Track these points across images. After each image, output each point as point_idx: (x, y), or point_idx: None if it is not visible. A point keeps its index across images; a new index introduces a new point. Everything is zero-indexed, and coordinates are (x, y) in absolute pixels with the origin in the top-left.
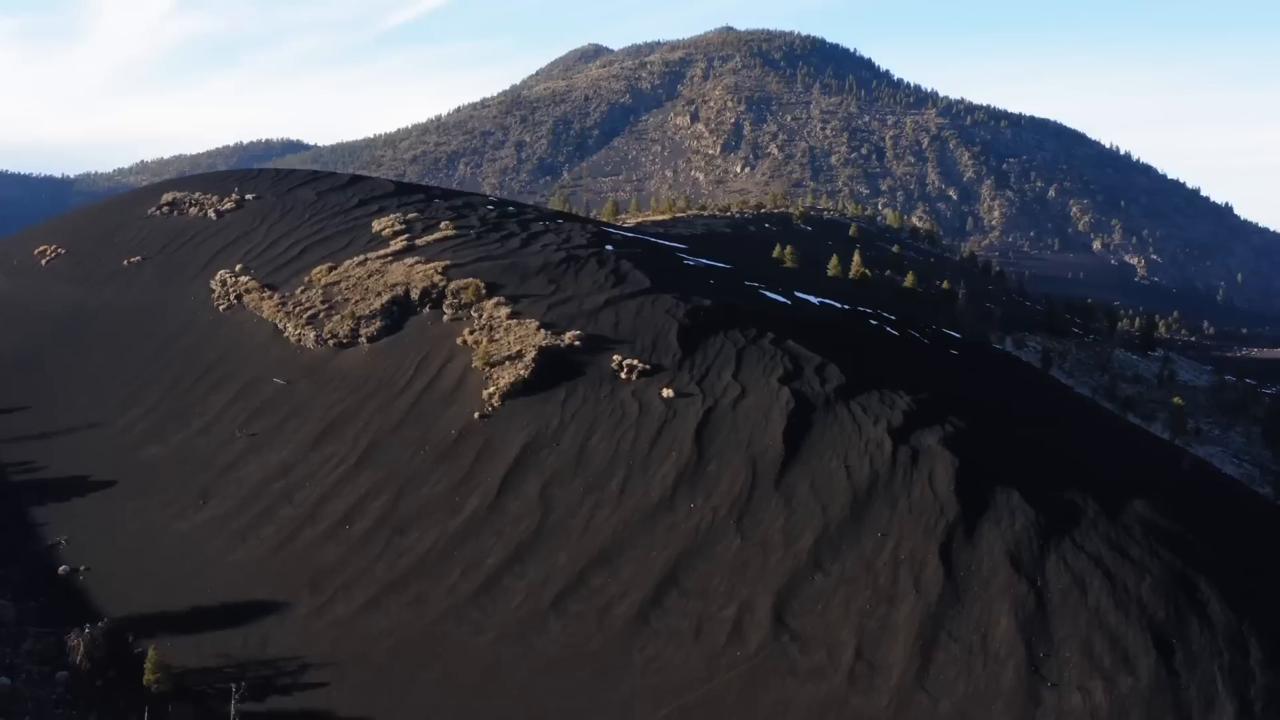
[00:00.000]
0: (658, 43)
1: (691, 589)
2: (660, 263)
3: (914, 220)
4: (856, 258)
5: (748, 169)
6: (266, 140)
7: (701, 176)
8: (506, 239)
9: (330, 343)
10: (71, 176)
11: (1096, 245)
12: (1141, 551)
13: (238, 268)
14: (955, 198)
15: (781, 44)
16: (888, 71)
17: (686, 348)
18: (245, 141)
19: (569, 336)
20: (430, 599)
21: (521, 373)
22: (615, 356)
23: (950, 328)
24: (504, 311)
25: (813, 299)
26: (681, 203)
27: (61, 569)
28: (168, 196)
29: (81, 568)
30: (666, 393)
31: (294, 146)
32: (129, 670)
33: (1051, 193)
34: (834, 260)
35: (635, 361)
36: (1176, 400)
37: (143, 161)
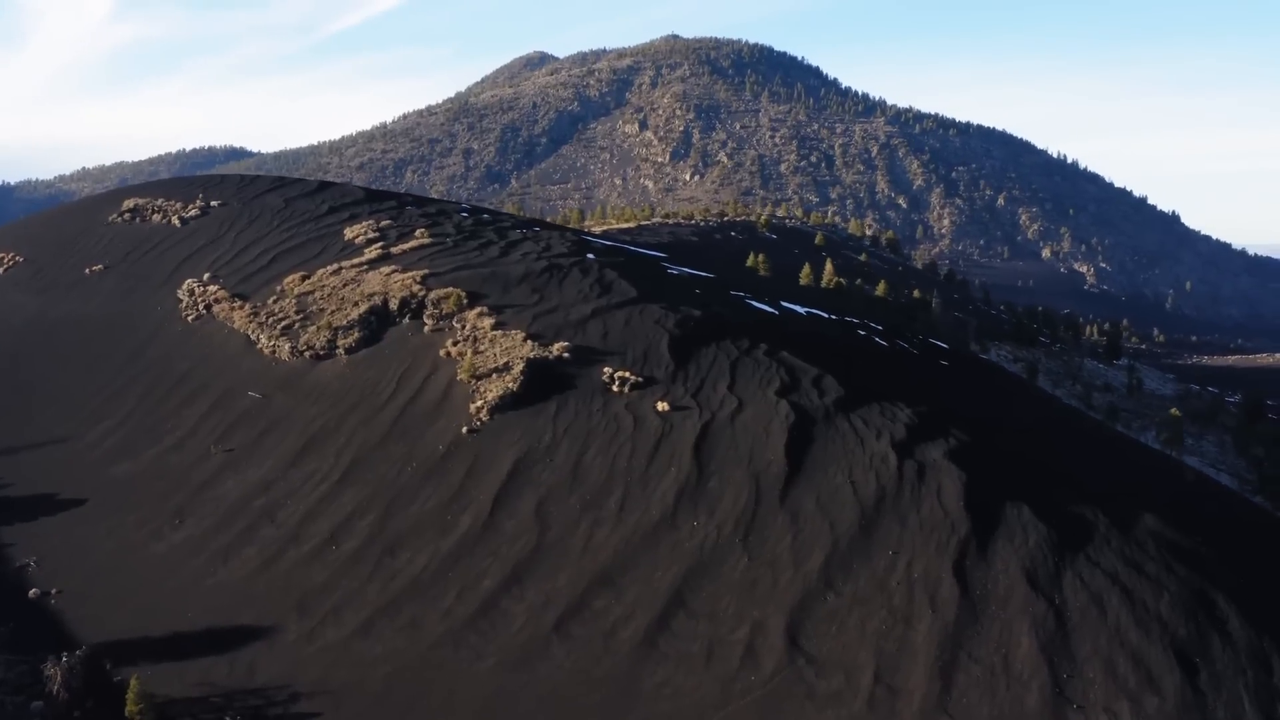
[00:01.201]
0: (604, 50)
1: (700, 610)
2: (643, 272)
3: (863, 228)
4: (829, 266)
5: (697, 177)
6: (209, 147)
7: (651, 184)
8: (485, 247)
9: (306, 354)
10: (12, 183)
11: (1046, 253)
12: (1157, 567)
13: (205, 276)
14: (905, 206)
15: (729, 52)
16: (835, 80)
17: (678, 359)
18: (188, 148)
19: (557, 348)
20: (425, 623)
21: (510, 385)
22: (606, 369)
23: (930, 338)
24: (488, 322)
25: (799, 309)
26: (645, 210)
27: (32, 592)
28: (129, 203)
29: (53, 591)
30: (661, 406)
31: (237, 153)
32: (109, 700)
33: (1000, 201)
34: (806, 269)
35: (627, 374)
36: (1174, 412)
37: (84, 168)
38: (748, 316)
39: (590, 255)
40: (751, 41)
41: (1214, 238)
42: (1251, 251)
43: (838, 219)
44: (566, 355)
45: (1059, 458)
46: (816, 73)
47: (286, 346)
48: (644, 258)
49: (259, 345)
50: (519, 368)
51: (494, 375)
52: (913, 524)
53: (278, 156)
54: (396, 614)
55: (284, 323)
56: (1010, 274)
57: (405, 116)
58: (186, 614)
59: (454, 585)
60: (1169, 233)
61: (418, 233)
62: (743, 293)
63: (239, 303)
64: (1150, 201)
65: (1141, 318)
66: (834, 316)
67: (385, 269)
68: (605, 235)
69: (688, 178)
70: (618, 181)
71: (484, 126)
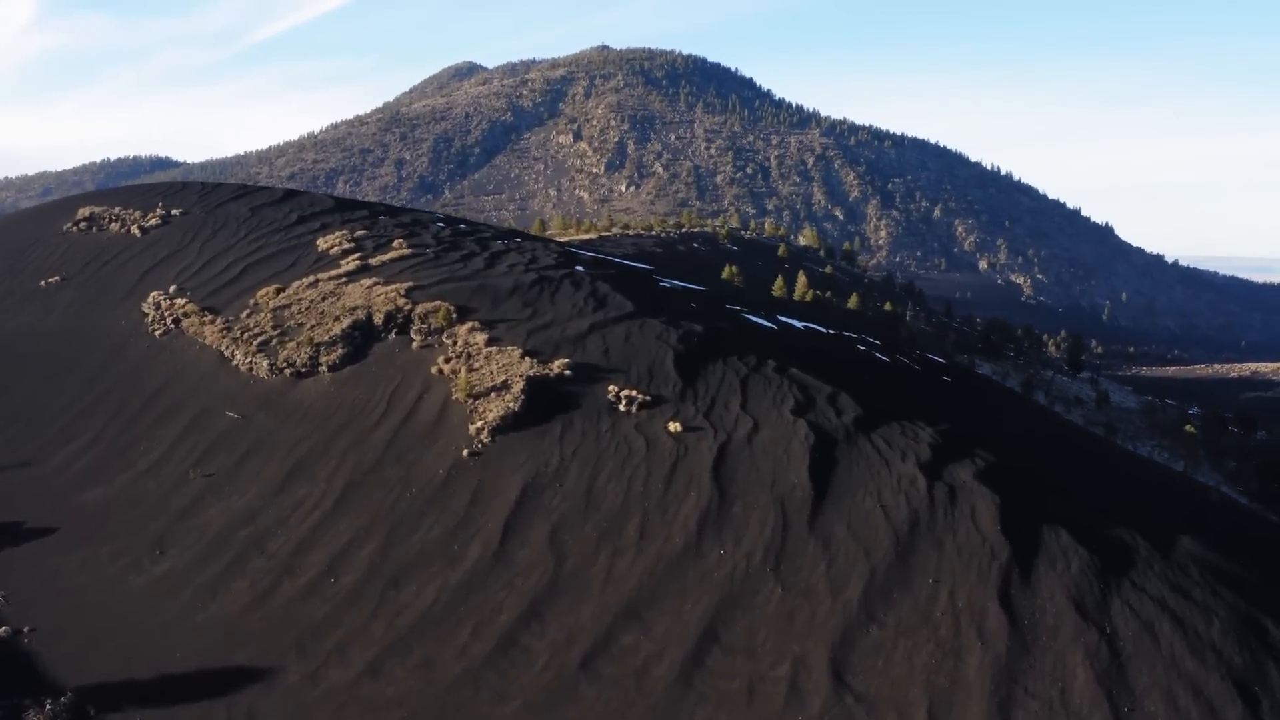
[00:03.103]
0: (534, 61)
1: (736, 645)
2: (636, 285)
3: (801, 239)
4: (802, 279)
5: (633, 188)
6: (134, 156)
7: (586, 195)
8: (468, 259)
9: (286, 372)
10: None
11: (983, 265)
12: (1203, 593)
13: (172, 289)
14: (841, 217)
15: (663, 63)
16: (769, 91)
17: (686, 377)
18: (113, 158)
19: (557, 365)
20: (439, 662)
21: (510, 405)
22: (611, 387)
23: (926, 353)
24: (481, 338)
25: (796, 323)
26: (604, 221)
27: (2, 630)
28: (84, 211)
29: (25, 629)
30: (674, 427)
31: (163, 163)
32: None
33: (936, 212)
34: (779, 281)
35: (633, 392)
36: (1189, 428)
37: (7, 177)
38: (748, 331)
39: (579, 267)
40: (685, 52)
41: (1146, 250)
42: (1184, 263)
43: (779, 230)
44: (568, 373)
45: (1080, 477)
46: (750, 84)
47: (264, 363)
48: (633, 270)
49: (234, 362)
50: (519, 386)
51: (493, 394)
52: (950, 550)
53: (204, 166)
54: (407, 653)
55: (260, 338)
56: (948, 285)
57: (336, 126)
58: (175, 654)
59: (468, 621)
60: (1103, 244)
61: (395, 243)
62: (738, 306)
63: (210, 317)
64: (1084, 213)
65: (1079, 329)
66: (832, 331)
67: (365, 281)
68: (570, 246)
69: (623, 189)
70: (552, 192)
71: (416, 136)
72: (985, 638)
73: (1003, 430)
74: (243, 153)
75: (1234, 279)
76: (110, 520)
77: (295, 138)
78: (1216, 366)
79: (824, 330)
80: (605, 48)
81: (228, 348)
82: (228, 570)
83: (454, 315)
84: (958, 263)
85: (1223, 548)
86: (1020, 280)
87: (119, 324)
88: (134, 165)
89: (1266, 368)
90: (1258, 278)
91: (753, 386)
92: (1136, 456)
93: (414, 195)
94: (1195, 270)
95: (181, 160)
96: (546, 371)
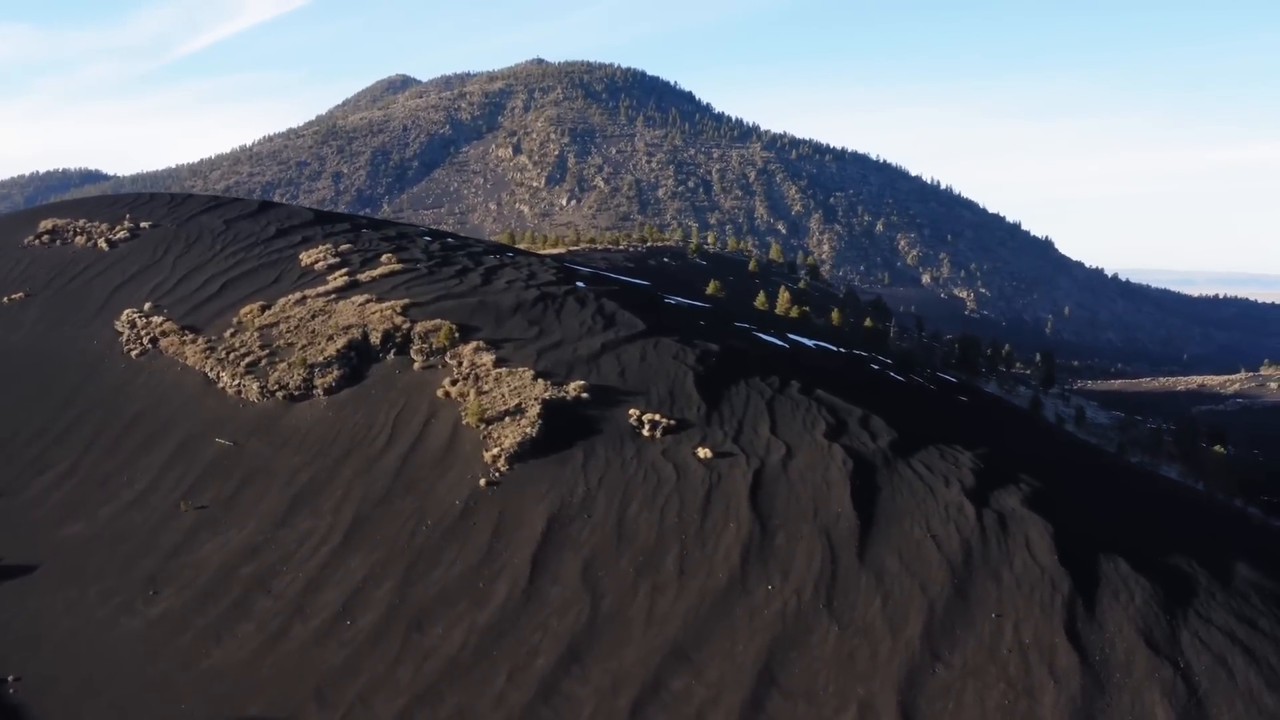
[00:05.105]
0: (468, 74)
1: (795, 689)
2: (641, 302)
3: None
4: (784, 294)
5: (574, 202)
6: (63, 170)
7: (526, 209)
8: (463, 274)
9: (278, 394)
10: None
11: (926, 279)
12: (1270, 622)
13: (147, 306)
14: (784, 231)
15: (602, 76)
16: (709, 105)
17: (709, 399)
18: (41, 171)
19: (573, 387)
20: (476, 712)
21: (528, 430)
22: (632, 410)
23: (938, 371)
24: (488, 358)
25: (807, 342)
26: (571, 235)
27: None
28: (46, 224)
29: (10, 678)
30: (703, 453)
31: (93, 176)
32: None
33: (879, 226)
34: (760, 297)
35: (656, 416)
36: (1217, 449)
37: None
38: (763, 350)
39: (580, 283)
40: (624, 65)
41: (1086, 264)
42: (1123, 277)
43: (740, 244)
44: (585, 395)
45: (1116, 500)
46: (690, 98)
47: (254, 386)
48: (636, 287)
49: (220, 384)
50: (535, 410)
51: (507, 419)
52: (1009, 582)
53: (135, 179)
54: (438, 702)
55: (248, 359)
56: (891, 300)
57: (270, 139)
58: (179, 705)
59: (502, 665)
60: (1044, 258)
61: (384, 258)
62: (747, 324)
63: (190, 336)
64: (1024, 227)
65: (1023, 342)
66: (843, 350)
67: (357, 298)
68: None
69: (564, 202)
70: (492, 206)
71: (353, 149)
72: (1057, 676)
73: (1030, 453)
74: (174, 165)
75: (1169, 292)
76: (95, 557)
77: (228, 150)
78: (1163, 380)
79: (835, 349)
80: (542, 61)
81: (212, 369)
82: (231, 611)
83: (456, 334)
84: (901, 276)
85: (1276, 573)
86: (963, 294)
87: (91, 344)
88: (63, 178)
89: (1213, 381)
90: (1192, 291)
91: (780, 409)
92: (1160, 477)
93: (352, 208)
94: (1136, 284)
95: (112, 174)
96: (562, 394)
